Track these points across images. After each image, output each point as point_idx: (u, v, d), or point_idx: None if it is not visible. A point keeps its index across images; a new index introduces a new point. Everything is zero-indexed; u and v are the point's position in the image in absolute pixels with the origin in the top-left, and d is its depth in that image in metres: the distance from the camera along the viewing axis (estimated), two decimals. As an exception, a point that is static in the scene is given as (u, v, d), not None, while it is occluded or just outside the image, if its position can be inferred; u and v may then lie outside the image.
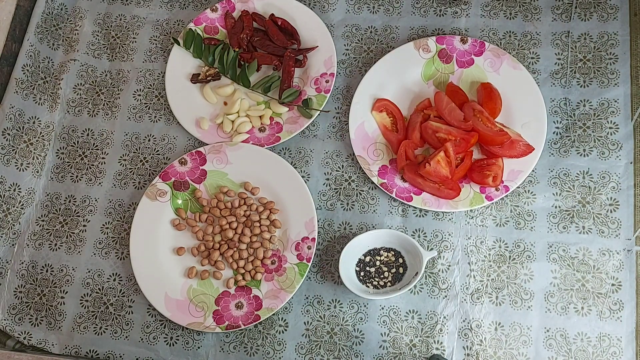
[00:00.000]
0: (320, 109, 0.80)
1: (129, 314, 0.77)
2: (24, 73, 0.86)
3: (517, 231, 0.75)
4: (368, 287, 0.74)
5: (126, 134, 0.85)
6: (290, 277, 0.74)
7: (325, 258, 0.77)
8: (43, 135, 0.86)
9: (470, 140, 0.74)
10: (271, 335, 0.75)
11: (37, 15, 0.89)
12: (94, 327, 0.77)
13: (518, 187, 0.75)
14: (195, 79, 0.84)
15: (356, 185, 0.79)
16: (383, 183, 0.77)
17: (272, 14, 0.85)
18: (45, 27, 0.89)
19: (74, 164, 0.85)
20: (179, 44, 0.86)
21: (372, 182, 0.78)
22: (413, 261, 0.74)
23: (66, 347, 0.77)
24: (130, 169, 0.84)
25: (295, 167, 0.79)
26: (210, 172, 0.80)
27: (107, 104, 0.87)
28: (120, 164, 0.84)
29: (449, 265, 0.75)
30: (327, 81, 0.82)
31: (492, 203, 0.75)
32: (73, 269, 0.80)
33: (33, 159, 0.84)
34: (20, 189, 0.83)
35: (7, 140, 0.83)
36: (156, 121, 0.86)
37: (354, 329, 0.74)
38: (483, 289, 0.73)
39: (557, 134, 0.78)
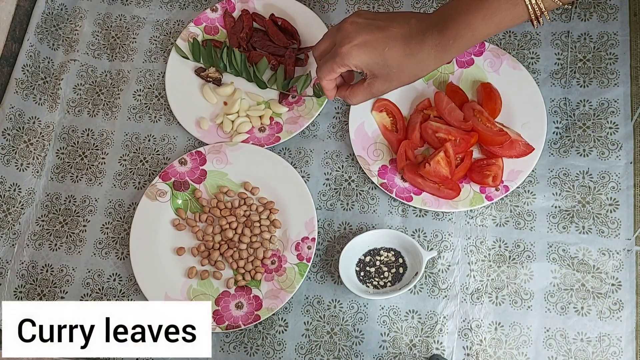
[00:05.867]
0: (320, 109, 0.80)
1: (129, 314, 0.77)
2: (24, 73, 0.86)
3: (517, 231, 0.75)
4: (368, 287, 0.74)
5: (126, 134, 0.85)
6: (290, 277, 0.74)
7: (325, 258, 0.77)
8: (43, 135, 0.86)
9: (470, 140, 0.74)
10: (271, 335, 0.75)
11: (37, 15, 0.89)
12: (94, 327, 0.77)
13: (518, 187, 0.75)
14: (199, 71, 0.84)
15: (356, 185, 0.79)
16: (383, 183, 0.77)
17: (272, 14, 0.85)
18: (45, 27, 0.89)
19: (74, 164, 0.85)
20: (187, 58, 0.85)
21: (372, 182, 0.78)
22: (413, 261, 0.74)
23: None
24: (130, 169, 0.84)
25: (295, 167, 0.79)
26: (210, 172, 0.80)
27: (107, 104, 0.87)
28: (120, 164, 0.84)
29: (449, 265, 0.75)
30: (327, 81, 0.82)
31: (492, 203, 0.76)
32: (73, 269, 0.80)
33: (33, 159, 0.85)
34: (20, 189, 0.83)
35: (7, 140, 0.83)
36: (156, 121, 0.86)
37: (354, 329, 0.74)
38: (483, 289, 0.73)
39: (557, 134, 0.78)
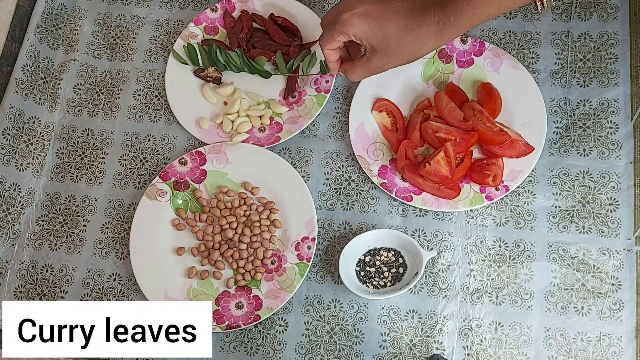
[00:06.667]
0: (320, 109, 0.80)
1: (129, 314, 0.77)
2: (24, 73, 0.86)
3: (517, 231, 0.75)
4: (368, 287, 0.74)
5: (126, 134, 0.85)
6: (290, 277, 0.74)
7: (325, 258, 0.77)
8: (43, 135, 0.86)
9: (470, 140, 0.74)
10: (271, 335, 0.75)
11: (37, 15, 0.89)
12: (94, 327, 0.77)
13: (518, 187, 0.75)
14: (198, 72, 0.84)
15: (356, 185, 0.79)
16: (383, 183, 0.77)
17: (272, 14, 0.85)
18: (45, 27, 0.89)
19: (74, 164, 0.85)
20: (186, 63, 0.85)
21: (372, 182, 0.78)
22: (413, 261, 0.74)
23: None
24: (130, 169, 0.84)
25: (295, 167, 0.79)
26: (210, 172, 0.80)
27: (107, 104, 0.87)
28: (120, 164, 0.84)
29: (449, 265, 0.75)
30: (327, 81, 0.82)
31: (492, 203, 0.75)
32: (73, 269, 0.80)
33: (33, 159, 0.85)
34: (20, 189, 0.83)
35: (7, 140, 0.83)
36: (156, 121, 0.86)
37: (354, 329, 0.74)
38: (483, 289, 0.73)
39: (557, 134, 0.78)
